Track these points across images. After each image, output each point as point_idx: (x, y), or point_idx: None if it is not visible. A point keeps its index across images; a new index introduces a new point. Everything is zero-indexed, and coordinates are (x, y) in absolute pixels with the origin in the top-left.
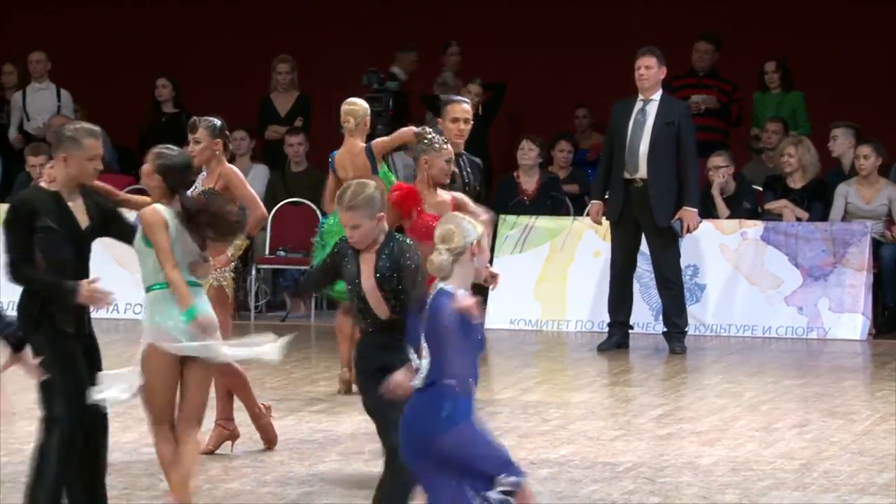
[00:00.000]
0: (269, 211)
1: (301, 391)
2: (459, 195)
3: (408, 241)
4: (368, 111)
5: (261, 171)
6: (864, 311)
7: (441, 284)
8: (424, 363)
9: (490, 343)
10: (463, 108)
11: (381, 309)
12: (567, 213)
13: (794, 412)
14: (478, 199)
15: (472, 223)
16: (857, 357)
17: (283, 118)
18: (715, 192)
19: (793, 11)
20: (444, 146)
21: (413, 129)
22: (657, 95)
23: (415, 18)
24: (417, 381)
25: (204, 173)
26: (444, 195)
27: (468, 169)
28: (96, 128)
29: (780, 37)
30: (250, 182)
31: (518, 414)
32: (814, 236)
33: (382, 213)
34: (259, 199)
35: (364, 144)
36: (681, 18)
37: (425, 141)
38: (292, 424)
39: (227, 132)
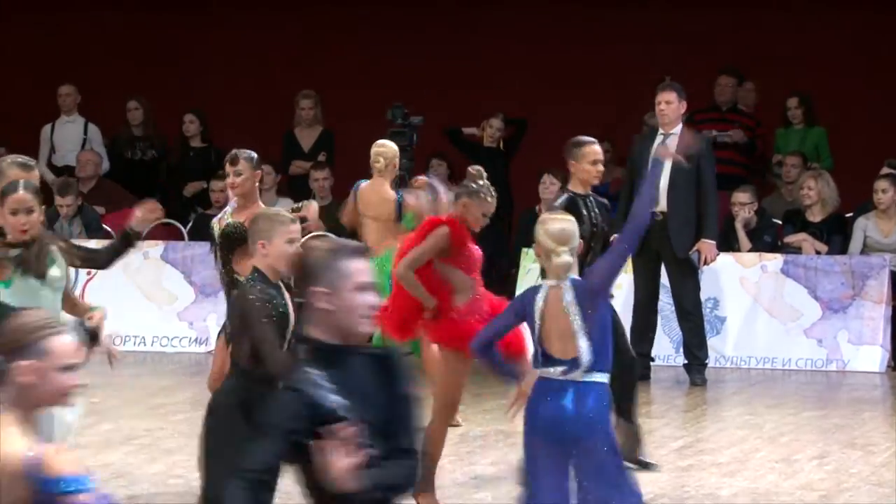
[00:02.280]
0: None
1: None
2: None
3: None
4: (398, 153)
5: (286, 205)
6: (884, 343)
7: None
8: (584, 347)
9: None
10: (599, 149)
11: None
12: None
13: (814, 444)
14: (605, 241)
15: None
16: (876, 389)
17: (306, 153)
18: (738, 225)
19: (816, 46)
20: (490, 198)
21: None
22: (677, 129)
23: (438, 52)
24: (577, 373)
25: (234, 204)
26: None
27: (595, 210)
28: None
29: (803, 72)
30: None
31: None
32: (833, 269)
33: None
34: None
35: (395, 193)
36: (704, 52)
37: (474, 185)
38: None
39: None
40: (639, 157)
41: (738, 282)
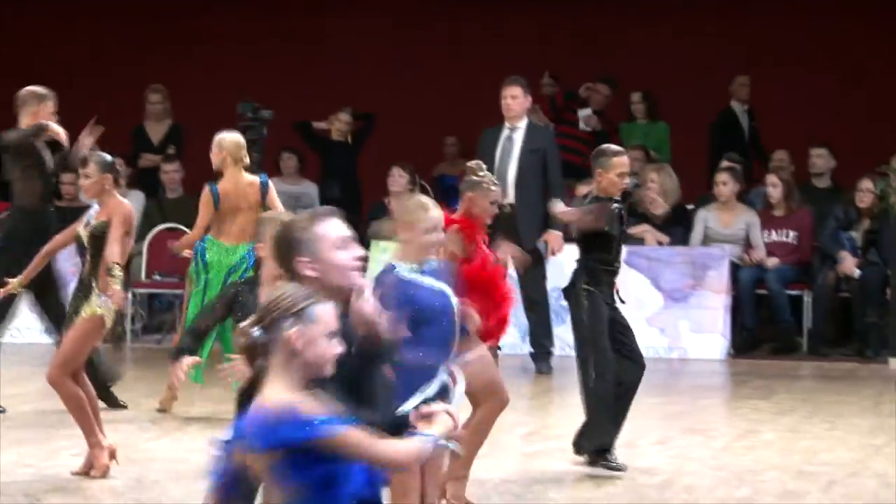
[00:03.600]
0: (145, 236)
1: (179, 411)
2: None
3: None
4: (242, 143)
5: (137, 198)
6: (723, 331)
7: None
8: None
9: None
10: (627, 160)
11: None
12: None
13: (656, 429)
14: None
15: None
16: (716, 376)
17: (155, 146)
18: None
19: (660, 43)
20: (493, 187)
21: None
22: (523, 123)
23: (287, 47)
24: None
25: (97, 206)
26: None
27: (621, 214)
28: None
29: (646, 68)
30: None
31: None
32: (674, 260)
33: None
34: (116, 243)
35: (256, 177)
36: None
37: (475, 178)
38: (169, 444)
39: (116, 167)
40: (486, 150)
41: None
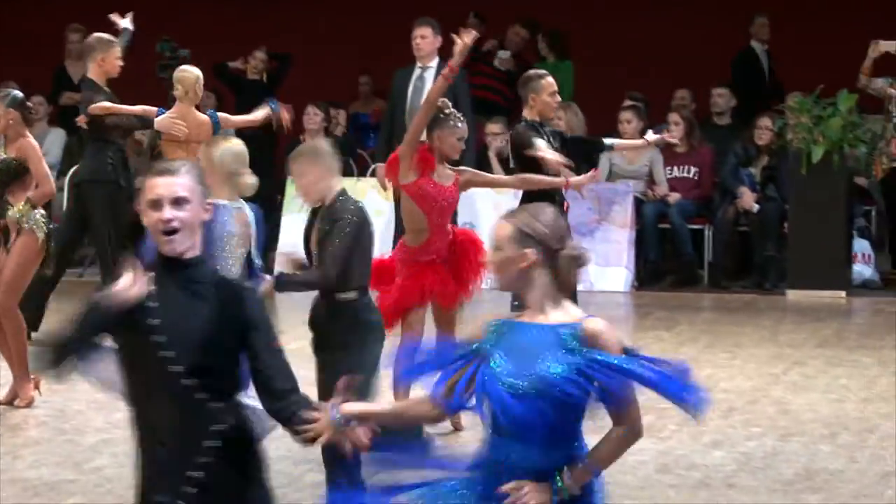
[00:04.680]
0: (66, 172)
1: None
2: (467, 170)
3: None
4: (200, 78)
5: (58, 135)
6: (628, 265)
7: None
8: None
9: None
10: (553, 80)
11: None
12: (350, 174)
13: None
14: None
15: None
16: (620, 308)
17: (76, 85)
18: (492, 154)
19: None
20: (460, 124)
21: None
22: (434, 63)
23: None
24: None
25: (2, 141)
26: (450, 171)
27: (550, 138)
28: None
29: (557, 9)
30: (48, 146)
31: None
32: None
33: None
34: (50, 177)
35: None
36: None
37: (441, 115)
38: None
39: (27, 104)
40: (398, 90)
41: (492, 208)
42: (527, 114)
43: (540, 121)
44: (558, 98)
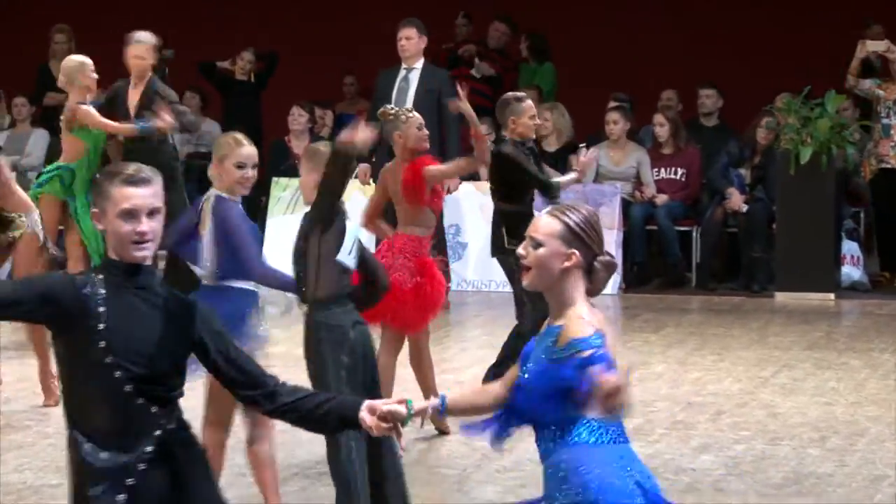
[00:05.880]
0: None
1: None
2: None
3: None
4: (78, 67)
5: (41, 136)
6: None
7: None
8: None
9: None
10: (532, 104)
11: None
12: None
13: None
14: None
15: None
16: (608, 310)
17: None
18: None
19: None
20: (410, 114)
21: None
22: (419, 64)
23: None
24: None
25: None
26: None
27: (531, 157)
28: None
29: (538, 10)
30: (31, 147)
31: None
32: (567, 197)
33: None
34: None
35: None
36: None
37: (390, 118)
38: None
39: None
40: (383, 90)
41: (478, 209)
42: (507, 135)
43: (521, 141)
44: (538, 120)
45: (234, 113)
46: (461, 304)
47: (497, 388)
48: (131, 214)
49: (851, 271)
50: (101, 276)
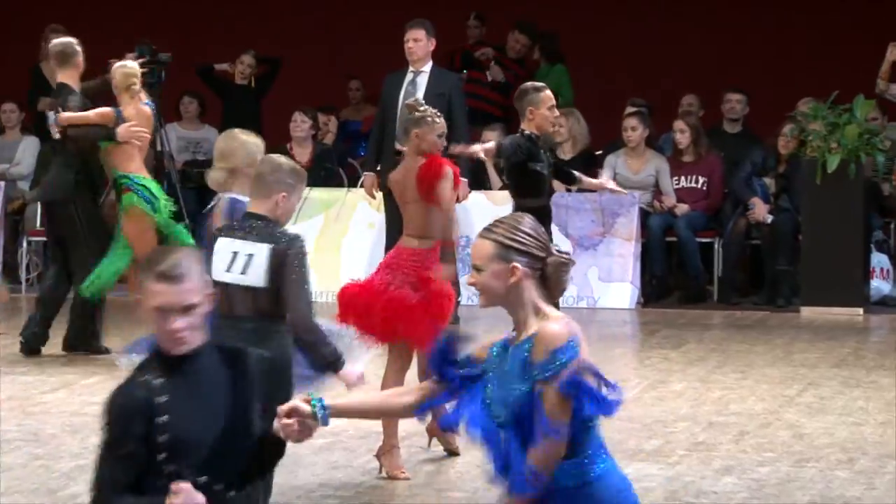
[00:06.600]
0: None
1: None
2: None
3: None
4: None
5: (31, 143)
6: (633, 280)
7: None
8: None
9: None
10: (551, 94)
11: None
12: (341, 185)
13: None
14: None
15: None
16: (626, 325)
17: (54, 89)
18: (489, 164)
19: None
20: (438, 120)
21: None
22: (427, 67)
23: None
24: None
25: None
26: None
27: (546, 151)
28: None
29: (550, 11)
30: (21, 154)
31: None
32: (583, 206)
33: None
34: None
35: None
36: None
37: (417, 113)
38: (64, 398)
39: None
40: (389, 95)
41: (490, 220)
42: (525, 126)
43: (538, 133)
44: (556, 112)
45: (233, 118)
46: (473, 318)
47: (409, 397)
48: (164, 311)
49: (881, 285)
50: (155, 364)
